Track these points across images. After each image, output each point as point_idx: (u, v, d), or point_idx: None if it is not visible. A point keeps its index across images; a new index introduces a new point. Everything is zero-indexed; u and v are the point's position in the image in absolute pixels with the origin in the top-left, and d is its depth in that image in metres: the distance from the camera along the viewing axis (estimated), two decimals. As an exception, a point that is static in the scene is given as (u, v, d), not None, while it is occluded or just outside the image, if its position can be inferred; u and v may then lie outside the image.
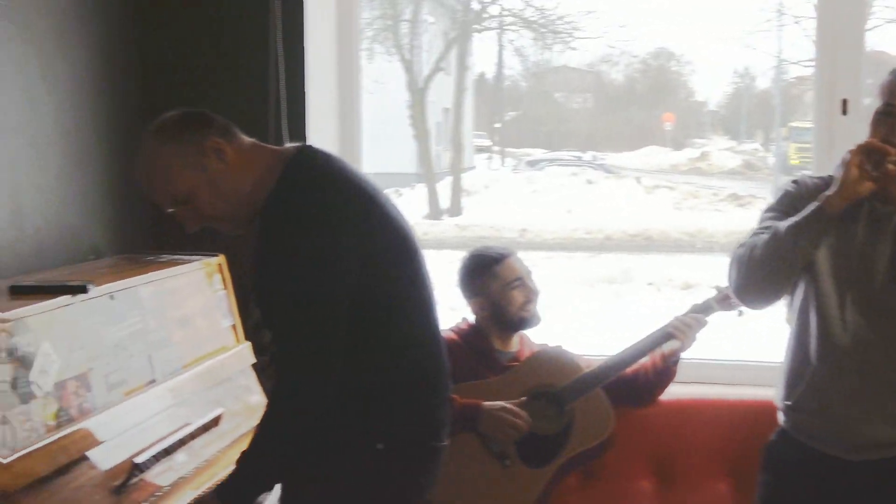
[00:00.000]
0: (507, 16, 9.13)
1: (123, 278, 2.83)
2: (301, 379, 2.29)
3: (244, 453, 2.36)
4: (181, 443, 2.71)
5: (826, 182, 2.63)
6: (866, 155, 2.48)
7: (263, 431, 2.34)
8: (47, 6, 3.20)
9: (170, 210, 2.45)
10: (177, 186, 2.40)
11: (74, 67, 3.34)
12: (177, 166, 2.39)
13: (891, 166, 2.45)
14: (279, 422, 2.33)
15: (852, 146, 2.51)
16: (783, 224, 2.56)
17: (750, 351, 4.02)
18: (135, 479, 2.49)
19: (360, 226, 2.34)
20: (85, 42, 3.40)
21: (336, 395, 2.29)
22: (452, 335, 3.44)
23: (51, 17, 3.22)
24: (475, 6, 9.42)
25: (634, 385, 3.47)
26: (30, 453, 2.23)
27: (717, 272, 3.20)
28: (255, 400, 3.15)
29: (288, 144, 2.54)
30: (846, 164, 2.48)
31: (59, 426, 2.37)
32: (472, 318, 3.53)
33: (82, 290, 2.59)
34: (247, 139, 2.49)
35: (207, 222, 2.47)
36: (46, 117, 3.20)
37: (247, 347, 3.27)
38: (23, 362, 2.30)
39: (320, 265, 2.27)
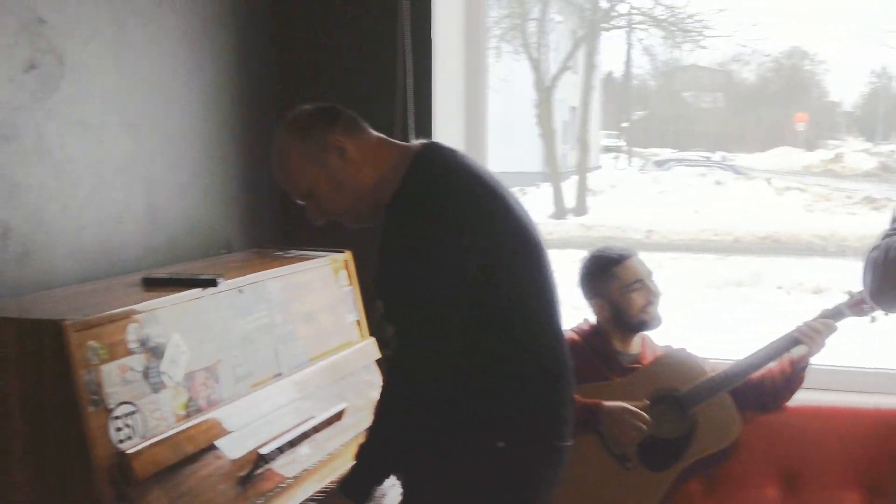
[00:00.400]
0: (635, 14, 9.04)
1: (252, 272, 2.88)
2: (410, 377, 2.30)
3: (361, 446, 2.39)
4: (305, 436, 2.75)
5: None
6: None
7: (376, 425, 2.37)
8: (182, 5, 3.27)
9: (300, 202, 2.50)
10: (300, 180, 2.44)
11: (210, 65, 3.42)
12: (301, 161, 2.43)
13: None
14: (390, 416, 2.35)
15: None
16: None
17: (882, 358, 3.91)
18: (260, 470, 2.54)
19: (484, 225, 2.34)
20: (220, 40, 3.48)
21: (457, 393, 2.29)
22: (574, 335, 3.42)
23: (187, 16, 3.30)
24: (604, 4, 9.36)
25: (761, 390, 3.40)
26: (159, 442, 2.28)
27: (848, 276, 3.12)
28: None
29: (414, 141, 2.55)
30: None
31: (188, 416, 2.42)
32: (593, 318, 3.50)
33: (212, 283, 2.64)
34: (374, 134, 2.51)
35: (330, 216, 2.50)
36: (181, 115, 3.28)
37: (371, 343, 3.30)
38: (154, 353, 2.36)
39: (441, 266, 2.28)
